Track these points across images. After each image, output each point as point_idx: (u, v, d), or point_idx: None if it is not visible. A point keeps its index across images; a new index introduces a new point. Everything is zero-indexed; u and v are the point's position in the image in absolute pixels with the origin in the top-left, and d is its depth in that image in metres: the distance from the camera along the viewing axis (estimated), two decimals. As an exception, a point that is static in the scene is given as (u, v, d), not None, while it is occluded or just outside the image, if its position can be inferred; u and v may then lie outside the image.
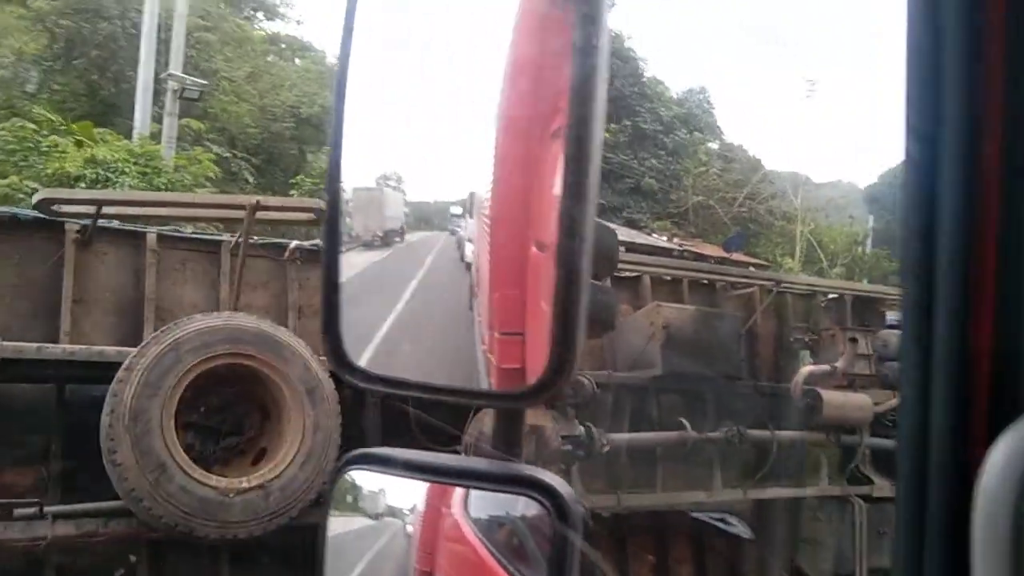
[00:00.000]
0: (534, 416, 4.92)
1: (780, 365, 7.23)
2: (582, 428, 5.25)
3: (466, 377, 1.38)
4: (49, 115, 13.10)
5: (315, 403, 4.57)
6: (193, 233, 5.47)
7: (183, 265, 5.42)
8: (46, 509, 4.22)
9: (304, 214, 5.32)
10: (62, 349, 4.43)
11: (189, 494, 4.11)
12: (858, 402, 6.58)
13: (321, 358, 4.77)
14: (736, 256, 14.48)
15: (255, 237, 5.86)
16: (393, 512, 1.37)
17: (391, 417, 5.27)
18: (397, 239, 1.42)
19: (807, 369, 6.86)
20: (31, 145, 12.19)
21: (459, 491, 1.30)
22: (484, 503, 1.28)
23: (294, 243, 5.62)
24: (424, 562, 1.36)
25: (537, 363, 1.02)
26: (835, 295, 8.05)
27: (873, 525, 6.74)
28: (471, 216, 1.34)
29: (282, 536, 4.99)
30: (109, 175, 11.62)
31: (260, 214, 5.24)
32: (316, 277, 5.84)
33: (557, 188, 0.94)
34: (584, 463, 5.83)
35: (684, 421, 6.00)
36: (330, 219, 1.15)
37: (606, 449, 5.40)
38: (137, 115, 14.29)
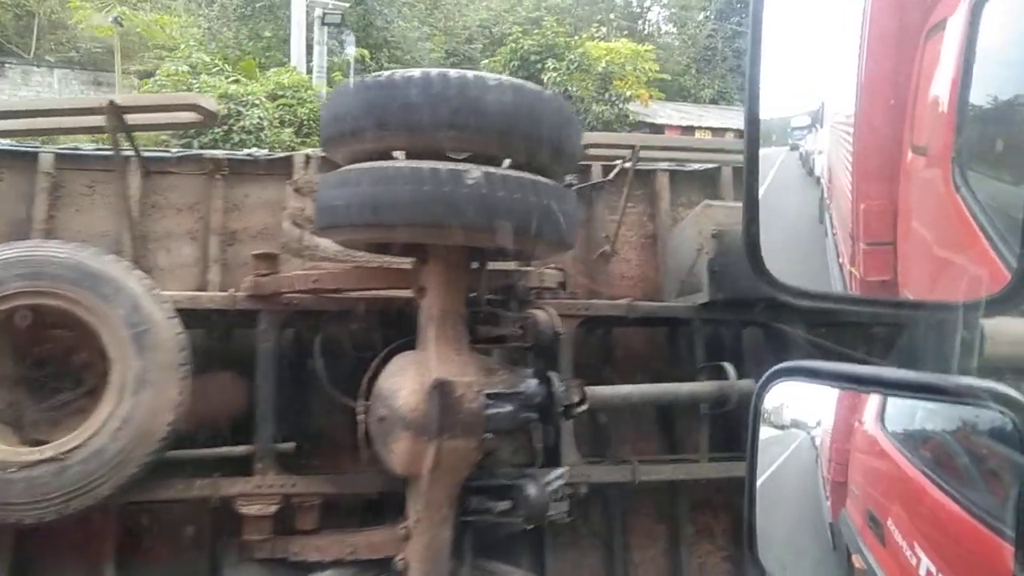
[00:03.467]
0: (442, 367, 3.50)
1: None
2: (533, 381, 3.71)
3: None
4: (204, 57, 13.34)
5: (143, 352, 3.55)
6: (97, 150, 4.63)
7: (91, 189, 4.62)
8: None
9: (184, 113, 4.24)
10: None
11: (-43, 468, 3.32)
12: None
13: (160, 294, 3.75)
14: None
15: (174, 149, 4.94)
16: (797, 424, 1.38)
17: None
18: None
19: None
20: (184, 87, 12.47)
21: (873, 405, 1.27)
22: (903, 417, 1.22)
23: (208, 153, 4.58)
24: (837, 473, 1.34)
25: (913, 273, 1.09)
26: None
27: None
28: (821, 127, 1.29)
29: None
30: (240, 108, 11.53)
31: (138, 118, 4.26)
32: (256, 194, 4.79)
33: (939, 87, 0.97)
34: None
35: (728, 367, 4.19)
36: (749, 141, 1.20)
37: (580, 409, 3.81)
38: (293, 49, 14.21)
